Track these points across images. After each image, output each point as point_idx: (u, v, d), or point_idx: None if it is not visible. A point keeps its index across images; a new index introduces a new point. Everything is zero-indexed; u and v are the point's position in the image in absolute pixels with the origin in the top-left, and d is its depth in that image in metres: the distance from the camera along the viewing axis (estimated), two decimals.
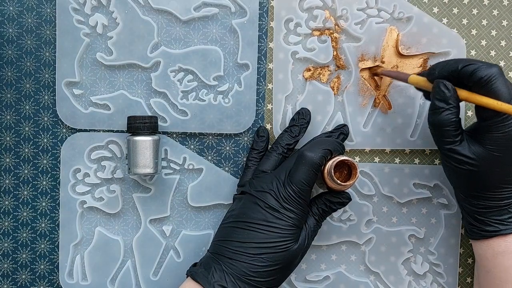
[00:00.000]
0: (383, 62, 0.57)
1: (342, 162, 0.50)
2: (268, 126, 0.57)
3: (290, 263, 0.49)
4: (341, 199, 0.51)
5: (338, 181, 0.49)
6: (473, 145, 0.48)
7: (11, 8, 0.55)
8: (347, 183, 0.49)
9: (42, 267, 0.57)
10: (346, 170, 0.51)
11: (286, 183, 0.49)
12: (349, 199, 0.52)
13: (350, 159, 0.49)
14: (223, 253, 0.48)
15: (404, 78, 0.52)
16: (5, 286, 0.57)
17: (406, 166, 0.58)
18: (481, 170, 0.48)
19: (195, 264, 0.50)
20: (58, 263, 0.57)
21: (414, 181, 0.58)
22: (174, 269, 0.57)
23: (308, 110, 0.56)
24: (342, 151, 0.51)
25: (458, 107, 0.47)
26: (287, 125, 0.56)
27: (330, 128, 0.57)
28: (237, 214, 0.50)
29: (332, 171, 0.49)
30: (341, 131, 0.56)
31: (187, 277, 0.49)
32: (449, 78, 0.47)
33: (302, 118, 0.55)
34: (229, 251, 0.48)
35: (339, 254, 0.58)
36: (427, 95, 0.53)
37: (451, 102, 0.47)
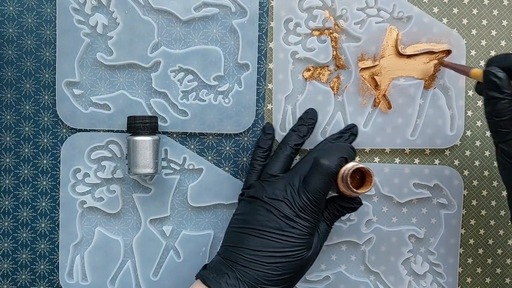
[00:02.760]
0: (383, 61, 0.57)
1: (357, 169, 0.48)
2: None
3: (303, 270, 0.49)
4: (353, 205, 0.51)
5: (353, 189, 0.47)
6: None
7: (11, 8, 0.55)
8: (361, 190, 0.48)
9: (42, 267, 0.57)
10: (359, 176, 0.50)
11: (301, 192, 0.48)
12: (360, 204, 0.51)
13: (366, 167, 0.48)
14: (237, 260, 0.47)
15: (466, 71, 0.50)
16: (5, 286, 0.57)
17: (406, 166, 0.58)
18: None
19: (205, 267, 0.50)
20: (58, 263, 0.57)
21: (414, 181, 0.58)
22: (174, 269, 0.57)
23: (315, 110, 0.56)
24: (354, 157, 0.51)
25: None
26: (287, 125, 0.56)
27: (330, 128, 0.57)
28: (249, 220, 0.49)
29: (348, 178, 0.47)
30: (351, 132, 0.56)
31: (196, 279, 0.49)
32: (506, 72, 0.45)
33: (310, 118, 0.55)
34: (242, 259, 0.47)
35: (339, 254, 0.58)
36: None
37: (505, 91, 0.44)
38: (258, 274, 0.46)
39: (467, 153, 0.59)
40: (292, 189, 0.48)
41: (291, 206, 0.48)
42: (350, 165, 0.48)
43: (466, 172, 0.59)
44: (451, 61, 0.56)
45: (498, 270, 0.60)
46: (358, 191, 0.48)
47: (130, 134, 0.53)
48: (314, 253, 0.49)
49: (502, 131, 0.45)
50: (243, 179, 0.57)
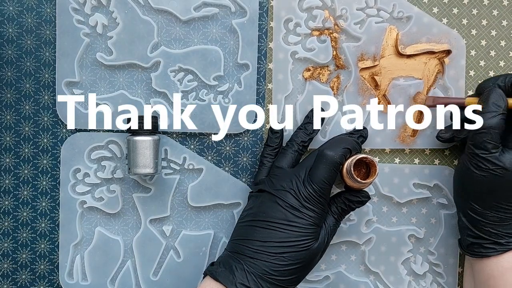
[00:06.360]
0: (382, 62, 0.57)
1: (360, 160, 0.49)
2: (267, 127, 0.57)
3: (311, 261, 0.49)
4: (360, 198, 0.51)
5: (358, 179, 0.48)
6: (507, 153, 0.49)
7: (11, 8, 0.55)
8: (367, 180, 0.49)
9: (42, 267, 0.57)
10: (365, 169, 0.51)
11: (307, 182, 0.49)
12: (368, 197, 0.52)
13: (369, 156, 0.49)
14: (244, 252, 0.48)
15: (461, 101, 0.54)
16: (5, 286, 0.57)
17: (406, 166, 0.58)
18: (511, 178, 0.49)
19: (212, 264, 0.50)
20: (58, 263, 0.57)
21: (414, 181, 0.58)
22: (174, 269, 0.57)
23: (322, 108, 0.56)
24: (359, 151, 0.51)
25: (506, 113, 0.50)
26: (286, 125, 0.56)
27: (330, 128, 0.57)
28: (256, 213, 0.49)
29: (352, 169, 0.48)
30: (361, 134, 0.56)
31: (204, 276, 0.49)
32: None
33: None
34: (250, 250, 0.48)
35: (339, 254, 0.58)
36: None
37: (504, 109, 0.50)
38: (265, 264, 0.47)
39: None
40: (298, 180, 0.49)
41: (296, 196, 0.48)
42: (354, 156, 0.49)
43: None
44: (437, 97, 0.56)
45: None
46: (363, 181, 0.49)
47: (130, 134, 0.53)
48: (321, 245, 0.49)
49: (487, 142, 0.49)
50: (243, 179, 0.57)
